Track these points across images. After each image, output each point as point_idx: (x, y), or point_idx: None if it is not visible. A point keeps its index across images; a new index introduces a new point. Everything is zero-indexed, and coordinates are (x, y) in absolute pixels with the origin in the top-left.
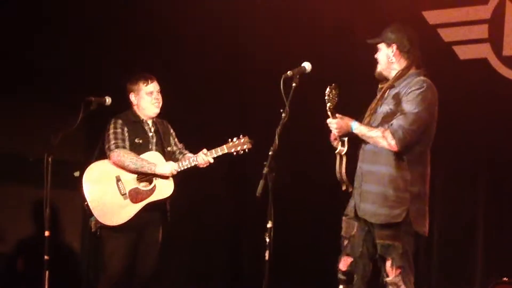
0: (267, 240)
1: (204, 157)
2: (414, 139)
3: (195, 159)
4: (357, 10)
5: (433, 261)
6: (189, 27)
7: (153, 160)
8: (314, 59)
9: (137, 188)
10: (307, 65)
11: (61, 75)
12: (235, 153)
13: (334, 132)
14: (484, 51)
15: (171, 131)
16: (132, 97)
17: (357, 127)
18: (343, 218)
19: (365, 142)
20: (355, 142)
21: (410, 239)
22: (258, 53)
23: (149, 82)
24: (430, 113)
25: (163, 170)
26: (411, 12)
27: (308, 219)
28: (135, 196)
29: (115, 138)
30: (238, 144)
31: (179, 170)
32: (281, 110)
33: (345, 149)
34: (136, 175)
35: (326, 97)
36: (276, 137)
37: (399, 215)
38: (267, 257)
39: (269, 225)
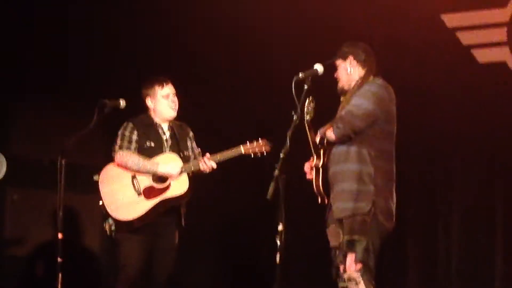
0: (278, 243)
1: (207, 163)
2: (357, 128)
3: (197, 164)
4: (376, 12)
5: None
6: (205, 28)
7: (168, 161)
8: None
9: (151, 186)
10: (319, 67)
11: (76, 78)
12: (252, 155)
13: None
14: (503, 54)
15: (190, 134)
16: (149, 101)
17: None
18: (327, 229)
19: (333, 146)
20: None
21: (375, 236)
22: (274, 54)
23: (164, 85)
24: (380, 107)
25: (165, 169)
26: (429, 15)
27: (319, 222)
28: (149, 193)
29: (121, 140)
30: (256, 146)
31: (184, 171)
32: (293, 113)
33: (321, 162)
34: (152, 175)
35: (305, 110)
36: (288, 139)
37: (364, 206)
38: (278, 260)
39: (280, 227)
